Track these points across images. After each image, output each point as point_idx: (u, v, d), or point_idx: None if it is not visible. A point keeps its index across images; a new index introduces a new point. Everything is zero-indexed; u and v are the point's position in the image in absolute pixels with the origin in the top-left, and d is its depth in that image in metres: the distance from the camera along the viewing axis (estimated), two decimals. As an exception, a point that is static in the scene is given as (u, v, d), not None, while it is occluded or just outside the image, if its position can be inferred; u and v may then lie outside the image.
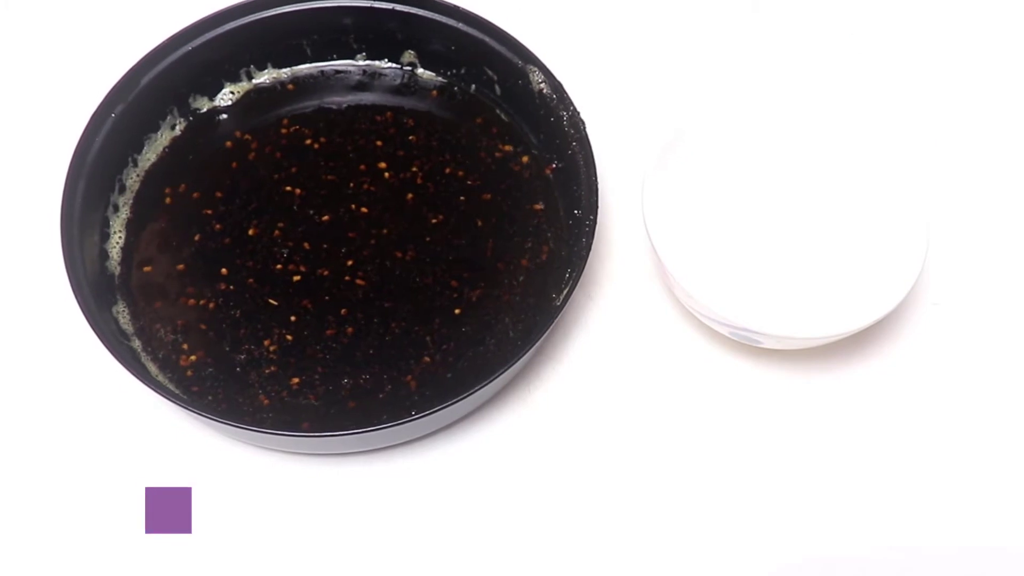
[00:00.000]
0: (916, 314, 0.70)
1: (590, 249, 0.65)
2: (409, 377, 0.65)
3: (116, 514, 0.63)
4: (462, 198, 0.71)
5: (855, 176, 0.69)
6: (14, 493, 0.64)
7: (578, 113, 0.69)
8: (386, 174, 0.72)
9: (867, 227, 0.68)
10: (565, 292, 0.64)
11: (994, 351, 0.69)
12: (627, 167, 0.72)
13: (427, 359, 0.66)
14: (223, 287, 0.68)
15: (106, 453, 0.65)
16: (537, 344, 0.63)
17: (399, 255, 0.69)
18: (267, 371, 0.65)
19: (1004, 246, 0.73)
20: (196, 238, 0.69)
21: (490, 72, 0.73)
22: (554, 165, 0.72)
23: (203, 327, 0.66)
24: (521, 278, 0.69)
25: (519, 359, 0.62)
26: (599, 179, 0.66)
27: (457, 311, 0.67)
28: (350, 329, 0.66)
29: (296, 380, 0.65)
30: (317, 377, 0.65)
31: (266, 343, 0.66)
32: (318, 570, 0.62)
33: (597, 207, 0.65)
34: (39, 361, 0.67)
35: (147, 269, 0.68)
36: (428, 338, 0.66)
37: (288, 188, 0.71)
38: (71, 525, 0.63)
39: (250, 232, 0.70)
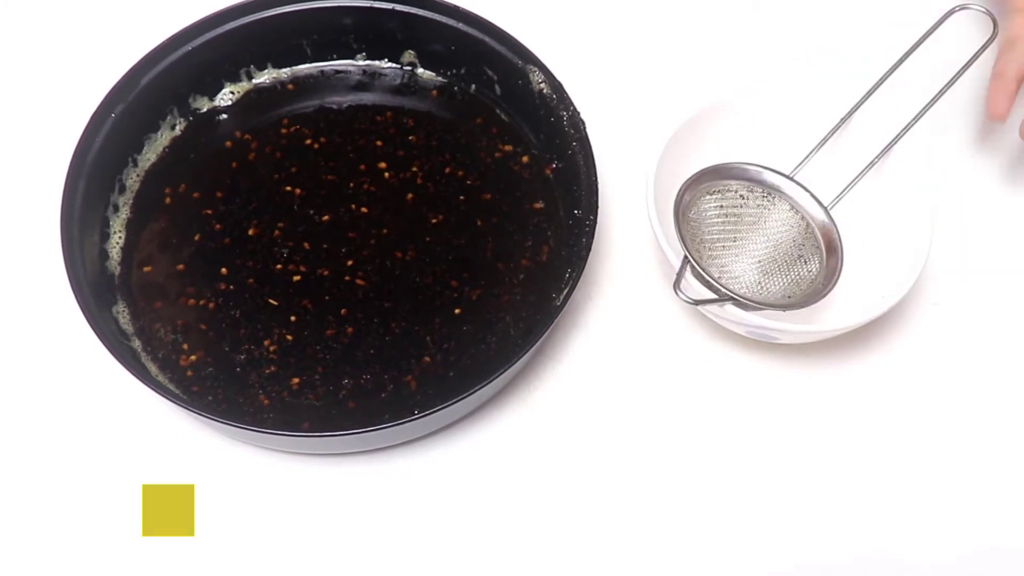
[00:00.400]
0: (916, 314, 0.70)
1: (590, 249, 0.65)
2: (409, 377, 0.65)
3: (115, 515, 0.63)
4: (462, 198, 0.71)
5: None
6: (14, 494, 0.64)
7: (578, 113, 0.69)
8: (386, 174, 0.72)
9: (868, 226, 0.68)
10: (565, 292, 0.64)
11: (994, 351, 0.70)
12: (627, 167, 0.72)
13: (427, 359, 0.66)
14: (223, 287, 0.68)
15: (106, 453, 0.65)
16: (537, 344, 0.63)
17: (399, 255, 0.69)
18: (267, 371, 0.65)
19: (1004, 246, 0.73)
20: (196, 238, 0.69)
21: (490, 72, 0.73)
22: (554, 165, 0.72)
23: (203, 327, 0.66)
24: (521, 277, 0.69)
25: (520, 359, 0.62)
26: (599, 179, 0.66)
27: (457, 311, 0.67)
28: (350, 329, 0.66)
29: (296, 380, 0.65)
30: (317, 377, 0.65)
31: (266, 343, 0.66)
32: (318, 570, 0.62)
33: (597, 207, 0.65)
34: (39, 361, 0.67)
35: (147, 269, 0.68)
36: (428, 338, 0.66)
37: (288, 188, 0.71)
38: (70, 526, 0.63)
39: (250, 232, 0.69)
